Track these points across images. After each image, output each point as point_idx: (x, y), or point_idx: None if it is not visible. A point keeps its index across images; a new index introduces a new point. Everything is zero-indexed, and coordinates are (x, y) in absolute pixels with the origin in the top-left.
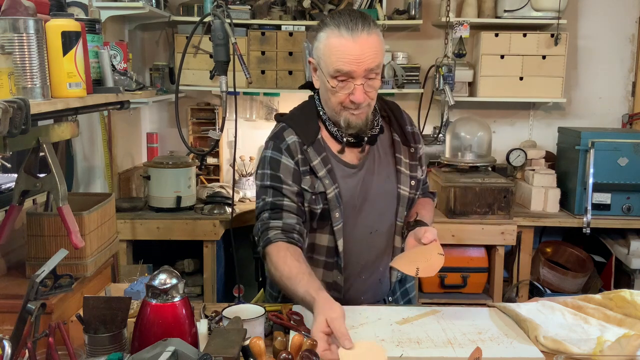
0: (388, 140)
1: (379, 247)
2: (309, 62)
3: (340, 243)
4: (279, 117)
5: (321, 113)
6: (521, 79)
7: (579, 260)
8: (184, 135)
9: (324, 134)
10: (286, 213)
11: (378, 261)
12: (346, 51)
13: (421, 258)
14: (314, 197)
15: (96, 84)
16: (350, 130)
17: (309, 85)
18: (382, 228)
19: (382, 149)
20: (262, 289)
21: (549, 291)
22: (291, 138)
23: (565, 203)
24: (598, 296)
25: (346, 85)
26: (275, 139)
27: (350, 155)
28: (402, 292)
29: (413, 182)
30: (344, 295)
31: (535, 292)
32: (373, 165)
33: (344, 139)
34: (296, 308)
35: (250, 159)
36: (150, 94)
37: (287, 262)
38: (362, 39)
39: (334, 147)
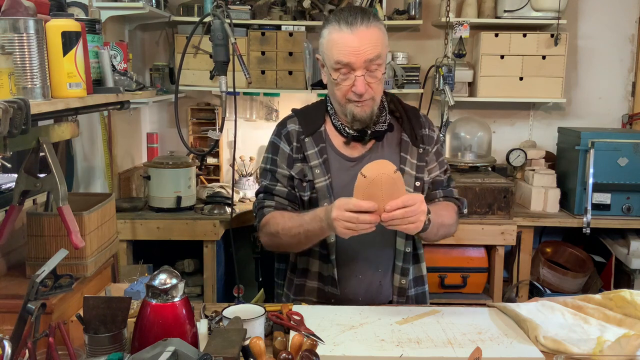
0: (396, 139)
1: (376, 246)
2: (317, 58)
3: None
4: (293, 109)
5: (329, 107)
6: (521, 79)
7: (579, 260)
8: (184, 135)
9: (328, 127)
10: (277, 197)
11: (377, 261)
12: (345, 43)
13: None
14: (303, 184)
15: (96, 84)
16: (356, 124)
17: (319, 83)
18: (378, 225)
19: (388, 146)
20: (262, 289)
21: (549, 291)
22: (292, 126)
23: (565, 203)
24: (598, 296)
25: (348, 77)
26: (280, 126)
27: (352, 150)
28: (419, 293)
29: (418, 183)
30: (341, 293)
31: (535, 292)
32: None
33: (348, 131)
34: (296, 308)
35: (250, 159)
36: (150, 94)
37: (284, 215)
38: (360, 31)
39: (337, 140)
